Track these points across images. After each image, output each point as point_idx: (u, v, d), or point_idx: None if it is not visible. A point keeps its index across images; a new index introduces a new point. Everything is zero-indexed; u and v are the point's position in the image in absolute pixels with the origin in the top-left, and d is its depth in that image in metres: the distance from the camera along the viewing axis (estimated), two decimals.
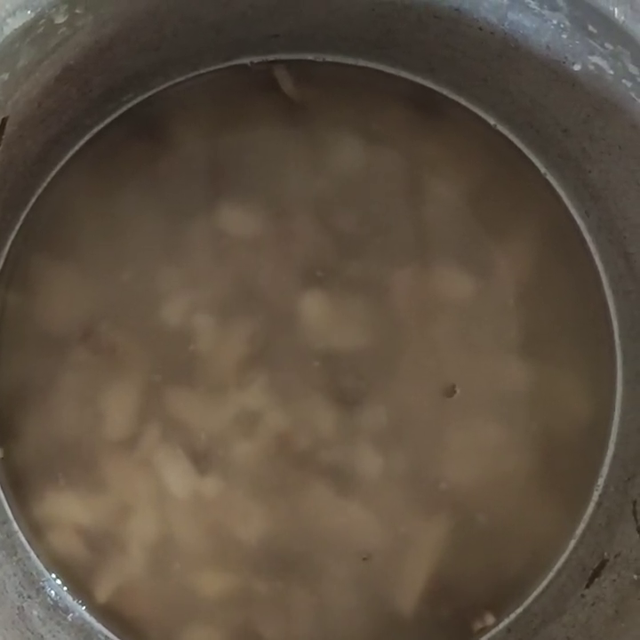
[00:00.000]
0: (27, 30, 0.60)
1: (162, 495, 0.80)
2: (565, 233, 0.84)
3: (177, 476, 0.81)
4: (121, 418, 0.80)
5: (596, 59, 0.68)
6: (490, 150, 0.84)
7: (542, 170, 0.84)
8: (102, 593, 0.81)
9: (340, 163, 0.82)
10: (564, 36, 0.68)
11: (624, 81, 0.67)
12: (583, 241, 0.84)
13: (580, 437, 0.83)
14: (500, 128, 0.84)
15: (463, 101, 0.83)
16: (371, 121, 0.82)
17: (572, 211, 0.84)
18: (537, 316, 0.83)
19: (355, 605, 0.81)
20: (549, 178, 0.84)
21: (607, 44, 0.65)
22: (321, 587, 0.81)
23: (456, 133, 0.83)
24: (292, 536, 0.81)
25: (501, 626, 0.83)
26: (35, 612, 0.78)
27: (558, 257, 0.84)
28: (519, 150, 0.84)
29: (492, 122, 0.84)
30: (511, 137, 0.84)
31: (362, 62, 0.82)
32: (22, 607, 0.77)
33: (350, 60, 0.82)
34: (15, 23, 0.59)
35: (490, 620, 0.82)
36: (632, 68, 0.65)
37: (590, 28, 0.65)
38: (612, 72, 0.67)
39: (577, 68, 0.70)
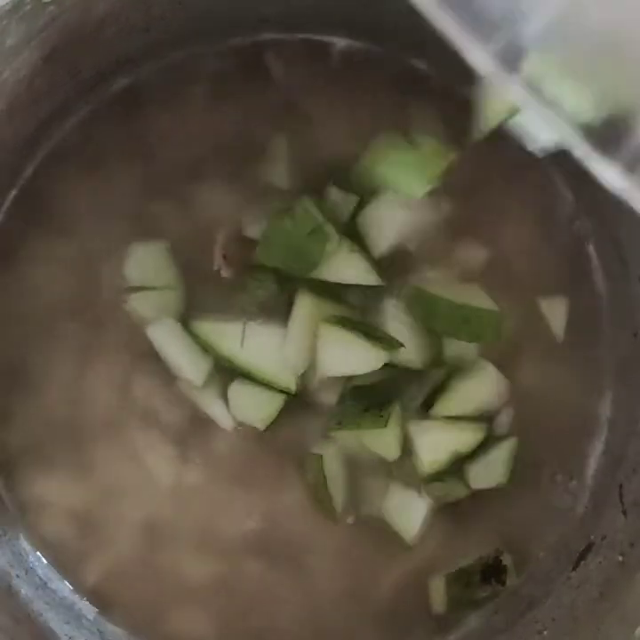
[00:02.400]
0: (15, 7, 0.61)
1: (148, 480, 0.81)
2: (558, 216, 0.84)
3: (162, 462, 0.81)
4: (106, 402, 0.81)
5: None
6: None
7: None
8: (90, 575, 0.81)
9: (331, 146, 0.82)
10: None
11: None
12: (575, 225, 0.84)
13: (571, 422, 0.84)
14: None
15: (455, 85, 0.83)
16: (362, 105, 0.82)
17: (565, 195, 0.84)
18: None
19: (340, 592, 0.82)
20: (542, 160, 0.84)
21: None
22: (307, 573, 0.82)
23: (447, 115, 0.83)
24: (279, 522, 0.81)
25: (489, 608, 0.83)
26: (23, 591, 0.79)
27: (551, 241, 0.84)
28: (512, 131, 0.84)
29: None
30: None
31: (352, 45, 0.82)
32: (10, 586, 0.78)
33: (341, 43, 0.82)
34: (3, 0, 0.59)
35: None
36: None
37: None
38: None
39: None
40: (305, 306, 0.78)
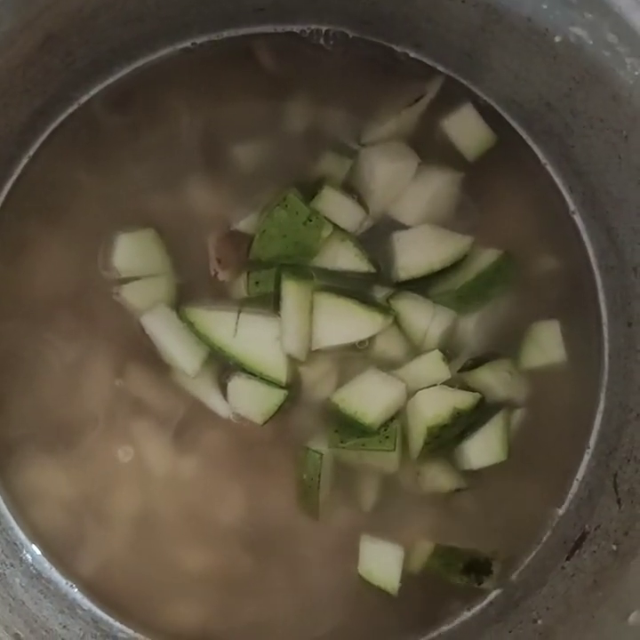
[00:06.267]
0: None
1: (142, 471, 0.81)
2: (554, 208, 0.85)
3: (156, 453, 0.81)
4: (100, 392, 0.81)
5: (576, 29, 0.68)
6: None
7: (531, 145, 0.84)
8: (84, 565, 0.81)
9: (325, 139, 0.82)
10: (545, 7, 0.68)
11: (603, 51, 0.67)
12: (570, 216, 0.85)
13: (568, 413, 0.84)
14: (490, 103, 0.83)
15: (449, 76, 0.83)
16: (356, 96, 0.82)
17: (560, 186, 0.85)
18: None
19: (333, 583, 0.82)
20: (537, 152, 0.84)
21: (586, 14, 0.66)
22: (298, 564, 0.82)
23: (442, 109, 0.83)
24: (271, 514, 0.81)
25: (484, 600, 0.83)
26: (17, 580, 0.79)
27: (548, 232, 0.84)
28: (509, 124, 0.84)
29: (479, 97, 0.84)
30: (501, 111, 0.84)
31: (348, 34, 0.82)
32: (4, 574, 0.78)
33: (336, 34, 0.82)
34: None
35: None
36: (611, 37, 0.65)
37: None
38: (591, 42, 0.68)
39: (558, 39, 0.70)
40: (292, 292, 0.78)
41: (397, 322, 0.80)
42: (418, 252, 0.80)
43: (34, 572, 0.81)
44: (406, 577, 0.81)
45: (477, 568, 0.81)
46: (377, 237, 0.81)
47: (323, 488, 0.80)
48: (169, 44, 0.81)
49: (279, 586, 0.82)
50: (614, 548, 0.76)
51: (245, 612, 0.82)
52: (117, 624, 0.82)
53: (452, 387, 0.80)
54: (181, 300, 0.80)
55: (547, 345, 0.83)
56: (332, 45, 0.82)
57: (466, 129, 0.82)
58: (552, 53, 0.72)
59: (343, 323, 0.79)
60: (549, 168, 0.84)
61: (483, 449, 0.80)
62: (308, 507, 0.80)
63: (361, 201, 0.81)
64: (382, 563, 0.81)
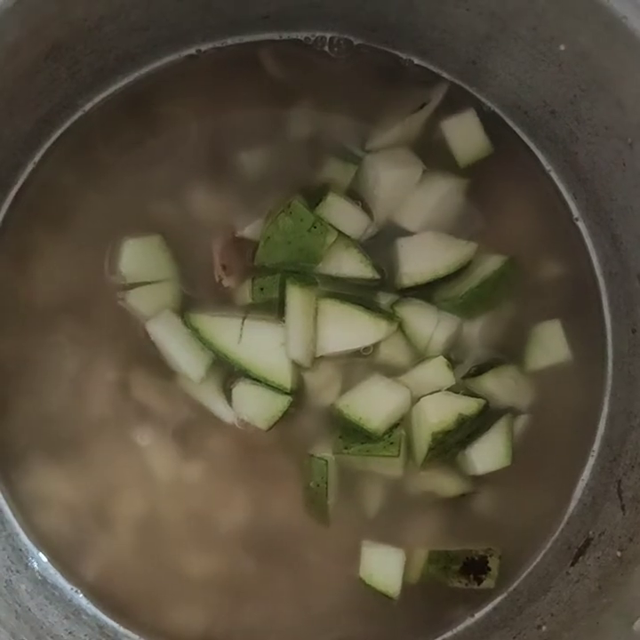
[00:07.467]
0: (16, 4, 0.61)
1: (147, 476, 0.81)
2: (558, 215, 0.85)
3: (161, 458, 0.81)
4: (105, 397, 0.81)
5: (581, 37, 0.68)
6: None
7: (535, 151, 0.85)
8: (89, 570, 0.82)
9: (330, 146, 0.82)
10: (550, 16, 0.69)
11: (608, 59, 0.68)
12: (574, 223, 0.85)
13: (572, 419, 0.84)
14: (495, 110, 0.84)
15: (454, 83, 0.83)
16: (361, 103, 0.82)
17: (564, 193, 0.85)
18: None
19: (337, 588, 0.82)
20: (541, 159, 0.85)
21: (592, 23, 0.66)
22: (301, 568, 0.82)
23: (446, 116, 0.83)
24: (275, 519, 0.81)
25: (488, 606, 0.84)
26: (23, 586, 0.79)
27: (552, 238, 0.85)
28: (513, 131, 0.84)
29: (485, 104, 0.84)
30: (505, 118, 0.84)
31: (353, 41, 0.82)
32: (10, 580, 0.78)
33: (340, 41, 0.82)
34: None
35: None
36: (616, 46, 0.66)
37: (576, 7, 0.66)
38: (596, 51, 0.68)
39: (563, 47, 0.71)
40: (297, 298, 0.78)
41: (402, 328, 0.80)
42: (422, 258, 0.80)
43: (39, 578, 0.81)
44: (408, 584, 0.81)
45: (474, 567, 0.82)
46: (381, 244, 0.81)
47: (331, 494, 0.80)
48: (174, 52, 0.82)
49: (282, 591, 0.82)
50: (619, 554, 0.76)
51: (249, 616, 0.82)
52: (122, 629, 0.82)
53: (456, 393, 0.80)
54: (186, 306, 0.80)
55: (550, 345, 0.83)
56: (336, 52, 0.82)
57: (463, 135, 0.83)
58: (557, 62, 0.73)
59: (347, 329, 0.79)
60: (553, 175, 0.84)
61: (487, 454, 0.81)
62: (317, 514, 0.81)
63: (365, 207, 0.81)
64: (383, 566, 0.81)
